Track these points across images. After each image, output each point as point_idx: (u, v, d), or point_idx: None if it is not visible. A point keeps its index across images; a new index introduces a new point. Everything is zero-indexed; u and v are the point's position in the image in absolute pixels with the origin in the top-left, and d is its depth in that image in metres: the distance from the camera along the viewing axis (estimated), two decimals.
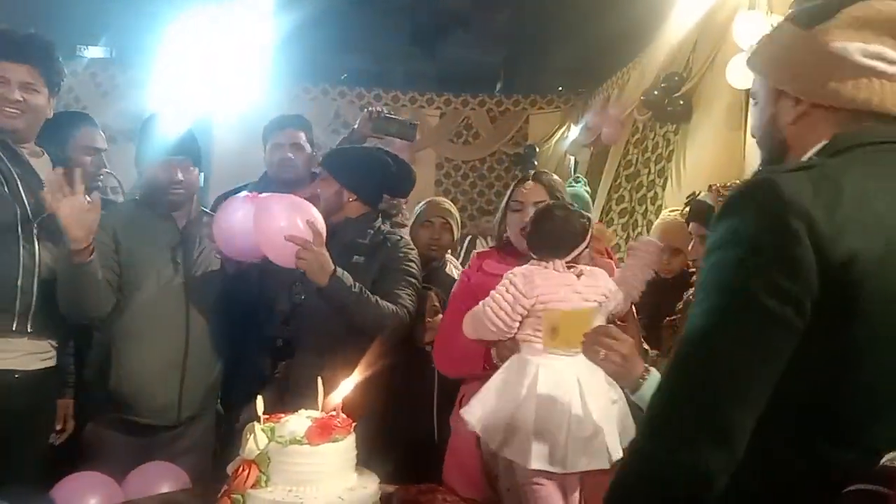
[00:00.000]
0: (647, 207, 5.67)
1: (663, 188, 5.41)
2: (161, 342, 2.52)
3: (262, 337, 2.61)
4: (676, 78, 5.20)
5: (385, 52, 7.67)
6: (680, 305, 2.79)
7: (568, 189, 4.38)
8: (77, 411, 2.68)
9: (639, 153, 5.99)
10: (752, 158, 3.92)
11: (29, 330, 2.37)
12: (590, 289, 2.16)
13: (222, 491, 1.68)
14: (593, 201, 6.12)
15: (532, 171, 2.57)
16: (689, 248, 2.77)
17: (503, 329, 2.12)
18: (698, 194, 3.11)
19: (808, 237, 1.07)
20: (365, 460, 1.83)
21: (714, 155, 4.68)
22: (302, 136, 3.20)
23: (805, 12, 1.25)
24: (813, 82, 1.24)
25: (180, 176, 2.58)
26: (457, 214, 3.29)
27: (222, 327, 2.63)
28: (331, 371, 1.93)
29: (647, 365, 1.77)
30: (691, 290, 2.61)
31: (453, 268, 3.21)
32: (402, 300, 2.50)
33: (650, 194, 5.65)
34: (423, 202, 3.31)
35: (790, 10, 1.32)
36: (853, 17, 1.20)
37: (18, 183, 2.40)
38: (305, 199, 2.50)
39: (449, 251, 3.31)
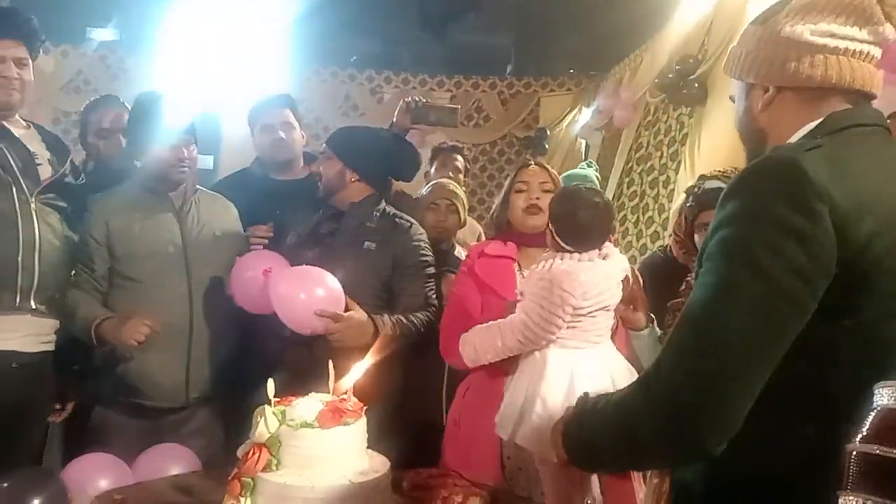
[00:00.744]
0: (658, 191, 5.62)
1: (676, 172, 5.36)
2: (165, 322, 2.52)
3: (272, 320, 2.61)
4: (691, 60, 5.13)
5: (395, 35, 7.61)
6: (683, 287, 2.76)
7: (579, 171, 4.35)
8: (83, 394, 2.68)
9: (651, 136, 5.93)
10: None
11: (32, 306, 2.38)
12: (616, 267, 2.09)
13: (232, 474, 1.67)
14: (605, 185, 6.09)
15: (531, 159, 2.56)
16: (697, 238, 2.74)
17: (543, 337, 1.99)
18: (700, 186, 3.08)
19: (830, 218, 1.09)
20: (375, 444, 1.82)
21: (729, 139, 4.62)
22: (290, 114, 3.15)
23: (761, 13, 1.36)
24: (773, 67, 1.31)
25: (186, 154, 2.57)
26: (463, 196, 3.25)
27: (228, 306, 2.61)
28: (342, 355, 1.92)
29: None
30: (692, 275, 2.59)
31: (462, 250, 3.19)
32: (428, 299, 2.52)
33: (662, 178, 5.60)
34: (428, 185, 3.27)
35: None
36: (800, 4, 1.29)
37: (11, 158, 2.39)
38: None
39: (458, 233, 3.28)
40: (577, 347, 2.03)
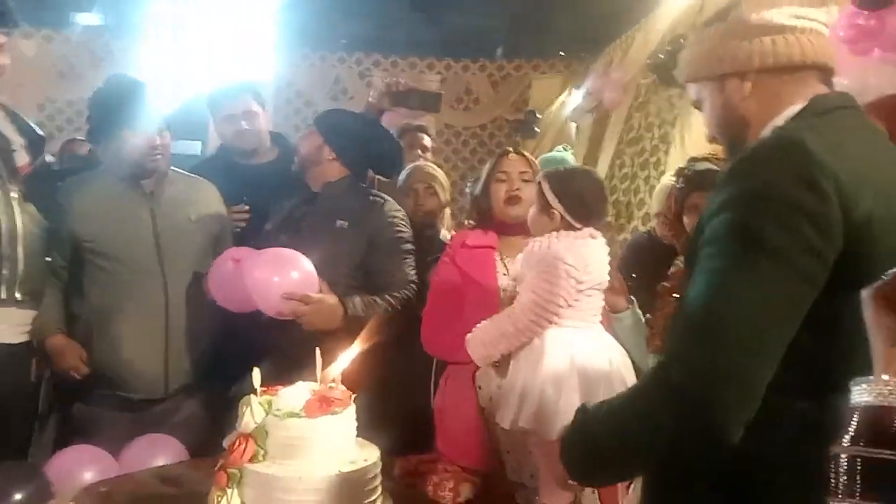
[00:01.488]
0: (649, 172, 5.59)
1: (666, 153, 5.34)
2: (140, 311, 2.49)
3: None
4: (683, 41, 5.08)
5: (384, 18, 7.54)
6: (672, 270, 2.74)
7: (557, 155, 4.35)
8: (61, 388, 2.64)
9: (642, 117, 5.90)
10: None
11: (18, 297, 2.34)
12: (604, 247, 2.12)
13: (219, 465, 1.65)
14: (595, 166, 6.06)
15: (510, 147, 2.57)
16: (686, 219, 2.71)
17: (554, 313, 1.97)
18: (690, 168, 3.05)
19: (835, 196, 1.11)
20: (365, 432, 1.80)
21: None
22: (253, 102, 3.04)
23: (713, 17, 1.39)
24: (750, 52, 1.33)
25: (159, 141, 2.51)
26: (441, 177, 3.17)
27: (205, 295, 2.56)
28: (330, 340, 1.89)
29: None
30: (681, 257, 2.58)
31: (447, 233, 3.14)
32: (406, 275, 2.48)
33: (653, 159, 5.57)
34: (406, 168, 3.19)
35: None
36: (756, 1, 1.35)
37: None
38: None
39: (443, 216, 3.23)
40: (574, 327, 2.02)
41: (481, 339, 2.05)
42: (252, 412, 1.65)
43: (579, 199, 2.09)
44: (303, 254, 2.36)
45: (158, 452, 2.23)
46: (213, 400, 2.66)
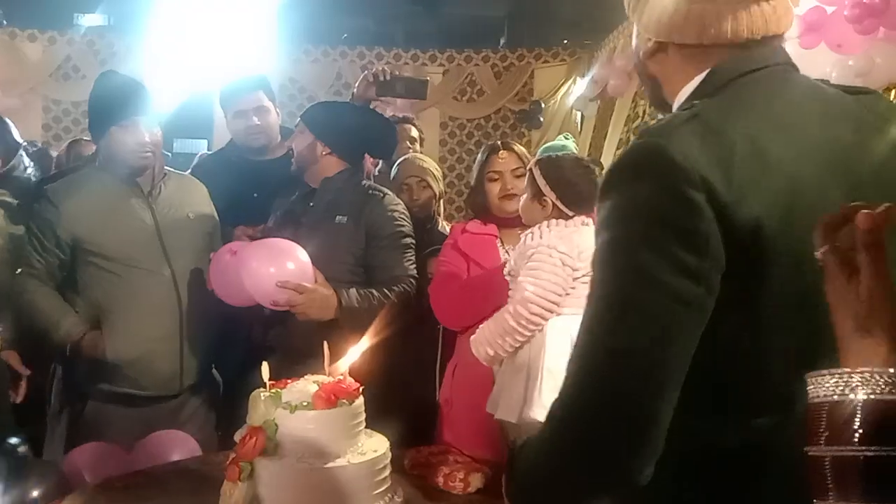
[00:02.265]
0: None
1: None
2: (153, 310, 2.48)
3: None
4: None
5: (385, 11, 7.55)
6: None
7: (558, 143, 4.32)
8: (69, 387, 2.62)
9: (647, 104, 5.89)
10: None
11: None
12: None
13: (230, 459, 1.67)
14: (601, 155, 6.05)
15: (500, 142, 2.56)
16: None
17: (555, 302, 1.98)
18: None
19: (709, 207, 0.97)
20: (374, 423, 1.82)
21: None
22: (264, 97, 3.00)
23: None
24: (660, 14, 1.15)
25: (147, 138, 2.51)
26: (433, 167, 3.13)
27: (210, 291, 2.55)
28: (334, 333, 1.91)
29: None
30: None
31: (446, 225, 3.14)
32: (406, 270, 2.47)
33: None
34: (397, 162, 3.15)
35: None
36: None
37: None
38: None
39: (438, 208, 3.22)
40: (573, 314, 2.02)
41: (486, 339, 2.05)
42: (262, 406, 1.67)
43: (571, 186, 2.09)
44: (304, 248, 2.37)
45: (172, 448, 2.25)
46: (222, 394, 2.68)
